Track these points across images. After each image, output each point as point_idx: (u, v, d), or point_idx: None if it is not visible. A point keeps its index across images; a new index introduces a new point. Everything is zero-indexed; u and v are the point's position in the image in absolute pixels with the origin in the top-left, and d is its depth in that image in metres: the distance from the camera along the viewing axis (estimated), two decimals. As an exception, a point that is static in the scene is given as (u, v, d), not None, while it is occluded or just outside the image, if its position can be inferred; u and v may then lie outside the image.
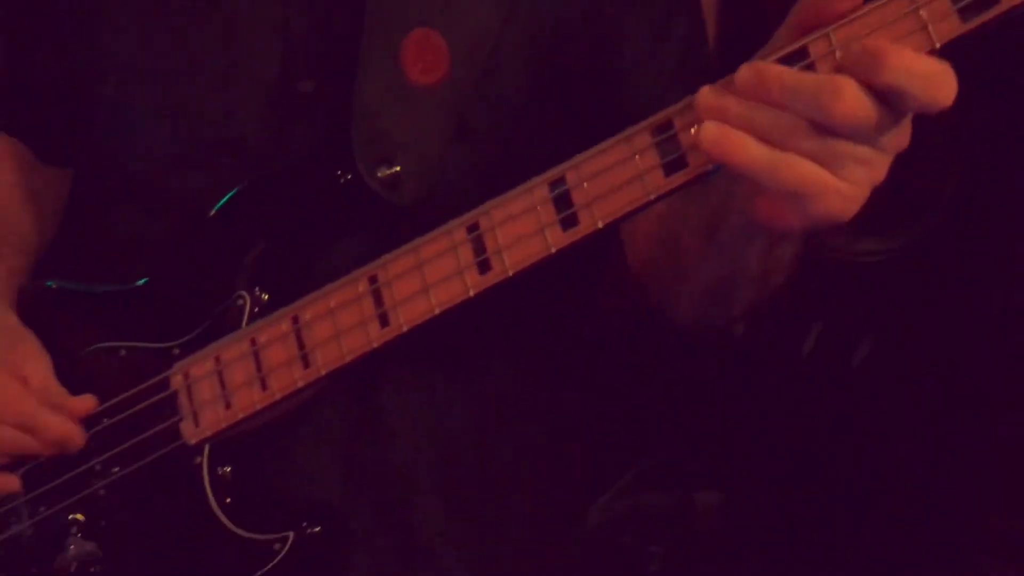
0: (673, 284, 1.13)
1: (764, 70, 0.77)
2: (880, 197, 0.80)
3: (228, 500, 1.06)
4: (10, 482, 1.14)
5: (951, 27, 0.76)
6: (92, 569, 1.10)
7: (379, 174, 1.05)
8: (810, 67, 0.78)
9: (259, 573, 1.04)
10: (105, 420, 1.11)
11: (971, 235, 1.94)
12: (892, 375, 2.02)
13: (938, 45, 0.75)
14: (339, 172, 1.05)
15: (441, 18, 1.10)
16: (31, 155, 1.36)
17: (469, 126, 1.12)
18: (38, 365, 1.13)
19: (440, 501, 1.17)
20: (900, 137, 0.78)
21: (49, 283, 1.23)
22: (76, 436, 1.10)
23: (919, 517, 2.01)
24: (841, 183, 0.76)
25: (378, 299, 0.98)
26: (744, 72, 0.78)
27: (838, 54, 0.76)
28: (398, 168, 1.06)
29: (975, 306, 1.91)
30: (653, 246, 1.11)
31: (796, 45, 0.78)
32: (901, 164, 0.82)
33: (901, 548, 2.05)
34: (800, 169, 0.76)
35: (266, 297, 1.07)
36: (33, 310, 1.21)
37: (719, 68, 1.01)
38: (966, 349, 1.92)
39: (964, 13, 0.75)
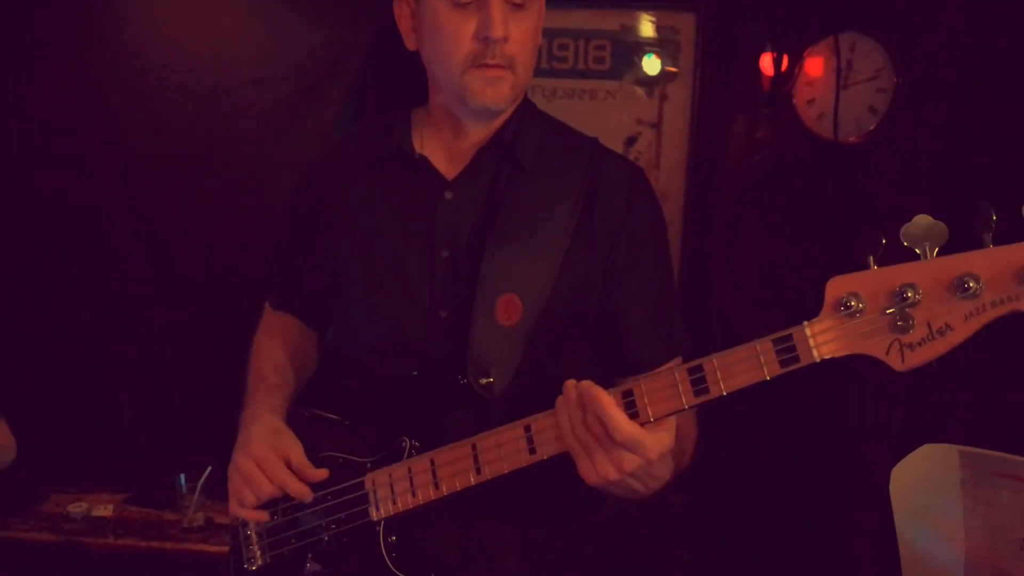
0: None
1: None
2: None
3: (393, 555, 1.23)
4: (261, 515, 1.32)
5: (774, 370, 0.96)
6: None
7: (481, 381, 1.21)
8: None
9: None
10: (329, 499, 1.28)
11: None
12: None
13: (768, 377, 0.96)
14: (459, 377, 1.22)
15: (519, 286, 1.24)
16: (302, 324, 1.53)
17: (533, 351, 1.25)
18: (297, 449, 1.29)
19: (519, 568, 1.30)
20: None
21: (303, 411, 1.42)
22: (304, 491, 1.27)
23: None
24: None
25: (475, 459, 1.15)
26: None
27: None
28: (492, 379, 1.22)
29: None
30: None
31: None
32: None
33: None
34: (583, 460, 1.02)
35: (417, 444, 1.24)
36: (295, 425, 1.37)
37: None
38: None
39: (782, 364, 0.96)
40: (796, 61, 2.44)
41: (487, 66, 1.22)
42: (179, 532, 2.71)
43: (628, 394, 1.03)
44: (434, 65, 1.28)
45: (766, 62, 2.44)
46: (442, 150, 1.34)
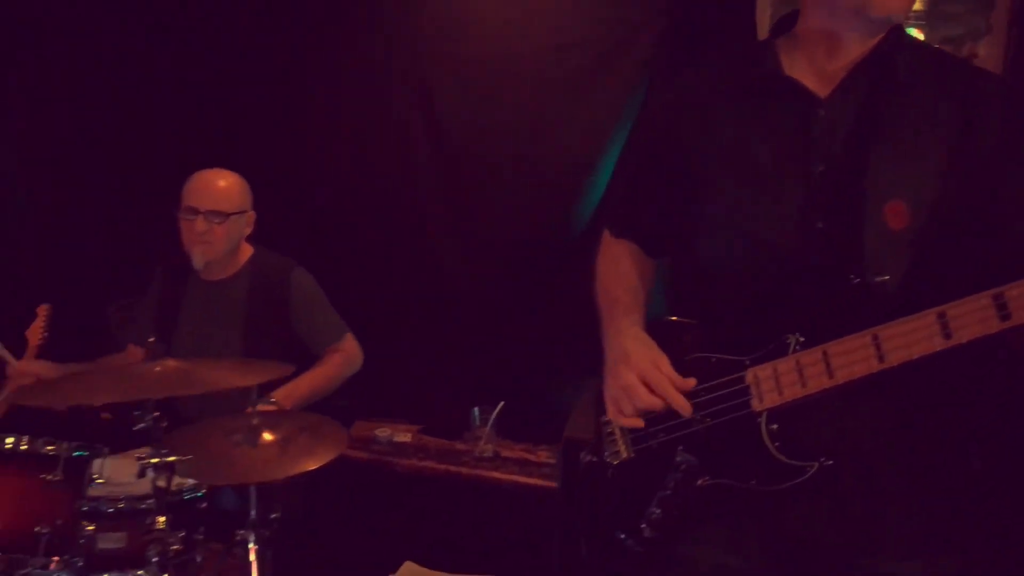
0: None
1: None
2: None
3: (777, 443, 1.28)
4: (637, 422, 1.39)
5: None
6: (691, 468, 1.36)
7: (877, 279, 1.23)
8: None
9: (791, 483, 1.26)
10: (703, 395, 1.34)
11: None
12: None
13: None
14: (851, 276, 1.24)
15: (905, 193, 1.26)
16: (641, 252, 1.61)
17: (921, 253, 1.25)
18: (664, 360, 1.37)
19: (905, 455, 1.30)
20: None
21: (669, 318, 1.48)
22: (686, 405, 1.34)
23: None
24: None
25: (877, 348, 1.18)
26: None
27: None
28: (887, 277, 1.24)
29: None
30: None
31: None
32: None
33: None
34: None
35: (802, 339, 1.27)
36: (657, 332, 1.44)
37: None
38: None
39: None
40: None
41: None
42: (472, 460, 2.92)
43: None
44: None
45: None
46: (812, 72, 1.37)
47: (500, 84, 2.92)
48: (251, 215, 2.54)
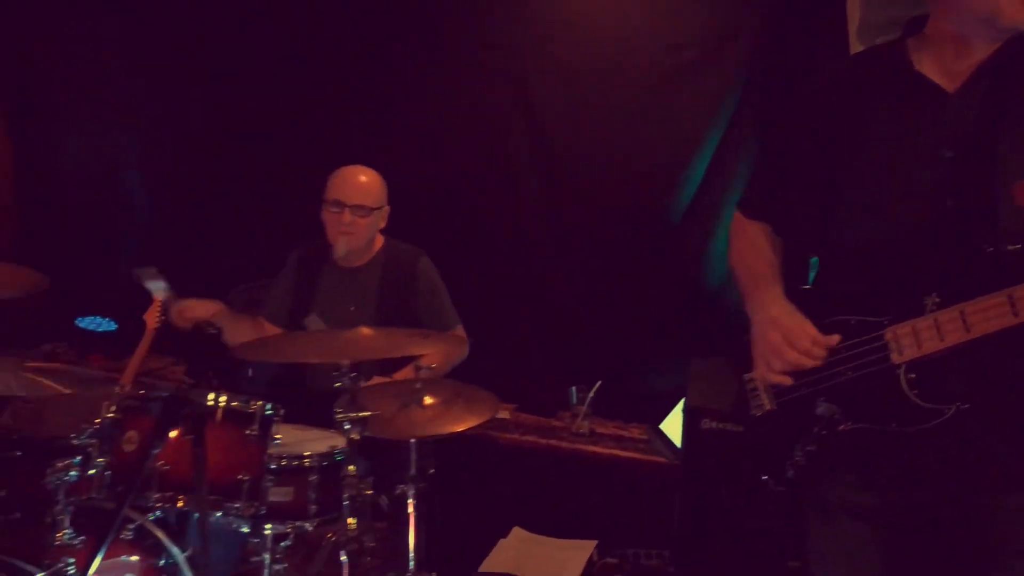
0: None
1: None
2: None
3: (915, 391, 1.45)
4: (786, 380, 1.55)
5: None
6: (834, 416, 1.52)
7: (1009, 248, 1.40)
8: None
9: (929, 425, 1.42)
10: (843, 351, 1.51)
11: None
12: None
13: None
14: (985, 245, 1.42)
15: None
16: (772, 232, 1.75)
17: None
18: (808, 323, 1.53)
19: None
20: None
21: (805, 287, 1.64)
22: (824, 355, 1.52)
23: None
24: None
25: (1012, 305, 1.35)
26: None
27: None
28: (1019, 245, 1.40)
29: None
30: None
31: None
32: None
33: None
34: None
35: (938, 300, 1.44)
36: (796, 300, 1.58)
37: None
38: None
39: None
40: None
41: None
42: (569, 435, 3.13)
43: None
44: None
45: None
46: (940, 69, 1.54)
47: (599, 82, 3.09)
48: (387, 209, 2.77)
